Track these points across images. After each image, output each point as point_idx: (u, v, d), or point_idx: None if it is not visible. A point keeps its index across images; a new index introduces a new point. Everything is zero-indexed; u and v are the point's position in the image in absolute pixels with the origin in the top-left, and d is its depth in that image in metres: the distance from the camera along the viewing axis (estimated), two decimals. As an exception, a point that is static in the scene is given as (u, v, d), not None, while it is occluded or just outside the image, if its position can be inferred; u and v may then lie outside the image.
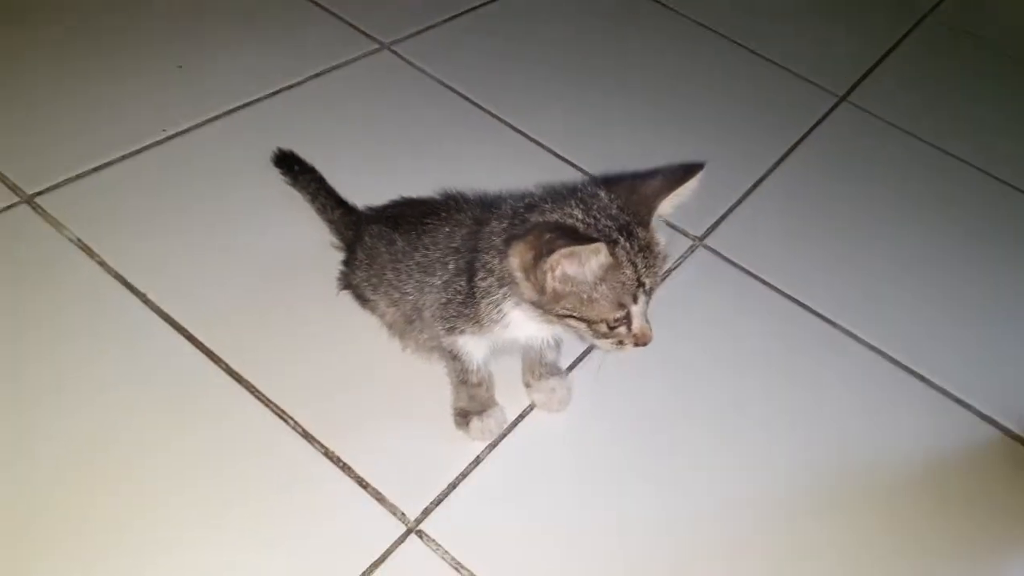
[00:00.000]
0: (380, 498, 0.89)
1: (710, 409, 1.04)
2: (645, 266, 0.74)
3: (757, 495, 0.96)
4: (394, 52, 1.48)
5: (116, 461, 0.88)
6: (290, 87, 1.36)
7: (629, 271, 0.73)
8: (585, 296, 0.74)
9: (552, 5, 1.69)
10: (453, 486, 0.92)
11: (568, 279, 0.73)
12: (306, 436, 0.93)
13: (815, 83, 1.59)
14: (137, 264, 1.05)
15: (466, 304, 0.85)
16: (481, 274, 0.81)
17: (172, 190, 1.16)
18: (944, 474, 1.03)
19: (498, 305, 0.81)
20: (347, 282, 1.05)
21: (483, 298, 0.82)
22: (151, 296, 1.03)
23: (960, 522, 0.98)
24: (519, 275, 0.76)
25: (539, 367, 0.98)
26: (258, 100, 1.32)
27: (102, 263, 1.05)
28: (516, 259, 0.75)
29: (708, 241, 1.25)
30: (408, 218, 0.96)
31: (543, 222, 0.75)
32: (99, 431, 0.90)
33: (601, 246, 0.69)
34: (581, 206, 0.75)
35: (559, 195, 0.78)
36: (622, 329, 0.77)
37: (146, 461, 0.88)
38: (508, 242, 0.76)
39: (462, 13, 1.60)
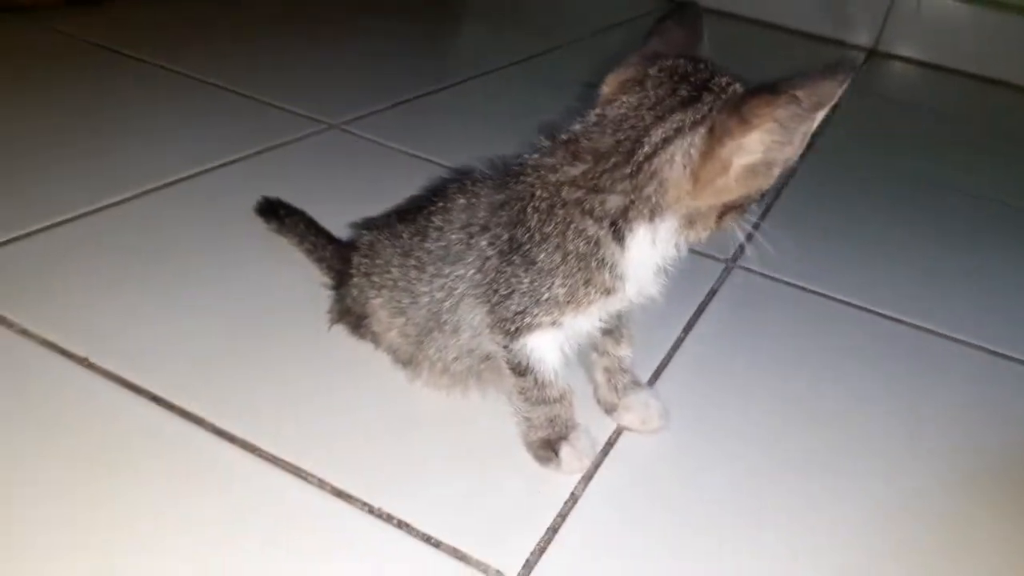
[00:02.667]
0: (463, 557, 0.63)
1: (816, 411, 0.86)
2: None
3: (906, 503, 0.77)
4: (345, 130, 1.35)
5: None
6: (239, 160, 1.19)
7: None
8: (778, 158, 0.59)
9: (499, 93, 1.64)
10: (553, 530, 0.67)
11: (773, 145, 0.58)
12: (338, 495, 0.67)
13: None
14: (74, 328, 0.80)
15: (535, 290, 0.65)
16: (570, 235, 0.63)
17: (114, 257, 0.93)
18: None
19: (611, 257, 0.63)
20: (340, 309, 0.84)
21: (584, 264, 0.63)
22: (93, 359, 0.77)
23: None
24: (684, 177, 0.60)
25: (620, 376, 0.78)
26: (209, 170, 1.14)
27: (24, 331, 0.79)
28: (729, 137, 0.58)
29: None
30: (414, 207, 0.78)
31: (738, 95, 0.59)
32: (68, 529, 0.61)
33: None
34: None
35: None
36: None
37: (154, 542, 0.59)
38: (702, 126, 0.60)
39: (408, 100, 1.51)
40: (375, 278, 0.77)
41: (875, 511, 0.74)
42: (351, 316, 0.83)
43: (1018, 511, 0.77)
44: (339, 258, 0.89)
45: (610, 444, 0.77)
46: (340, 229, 0.96)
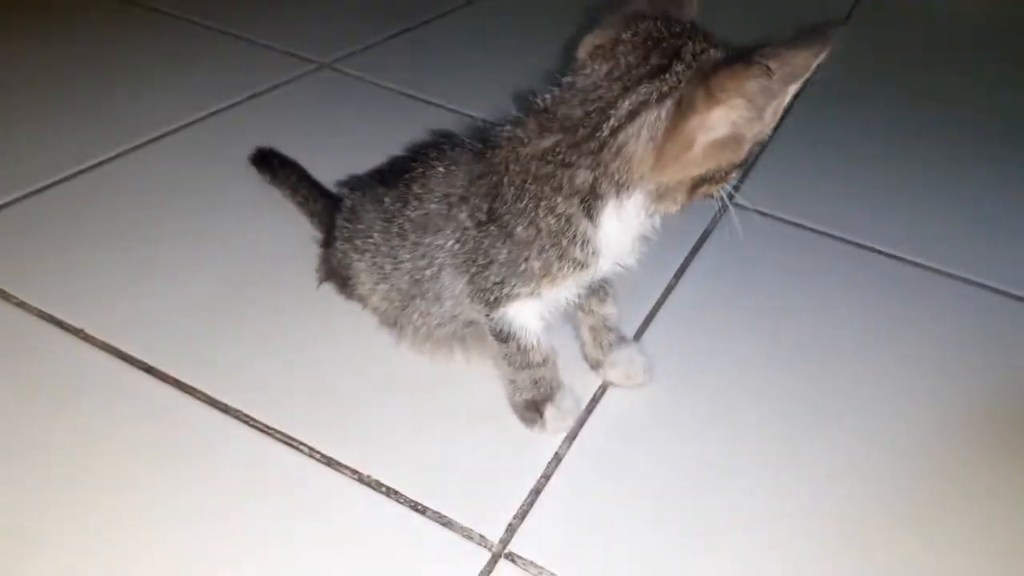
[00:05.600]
0: (447, 523, 0.66)
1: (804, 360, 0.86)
2: None
3: (892, 462, 0.77)
4: (336, 69, 1.32)
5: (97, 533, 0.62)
6: (229, 107, 1.17)
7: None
8: (746, 133, 0.57)
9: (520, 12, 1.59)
10: (536, 492, 0.69)
11: (743, 114, 0.56)
12: (328, 463, 0.69)
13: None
14: (68, 298, 0.82)
15: (512, 262, 0.65)
16: (541, 211, 0.62)
17: (100, 220, 0.94)
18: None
19: (583, 234, 0.62)
20: (328, 269, 0.85)
21: (556, 240, 0.63)
22: (89, 330, 0.78)
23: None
24: (648, 152, 0.58)
25: (606, 334, 0.79)
26: (198, 120, 1.13)
27: (21, 304, 0.81)
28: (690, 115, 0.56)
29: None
30: (396, 169, 0.77)
31: (704, 64, 0.56)
32: (69, 496, 0.64)
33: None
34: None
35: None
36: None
37: (146, 521, 0.63)
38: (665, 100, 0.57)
39: (401, 32, 1.46)
40: (357, 242, 0.78)
41: (873, 460, 0.75)
42: (338, 277, 0.83)
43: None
44: (330, 213, 0.89)
45: (595, 401, 0.79)
46: (337, 177, 0.95)
